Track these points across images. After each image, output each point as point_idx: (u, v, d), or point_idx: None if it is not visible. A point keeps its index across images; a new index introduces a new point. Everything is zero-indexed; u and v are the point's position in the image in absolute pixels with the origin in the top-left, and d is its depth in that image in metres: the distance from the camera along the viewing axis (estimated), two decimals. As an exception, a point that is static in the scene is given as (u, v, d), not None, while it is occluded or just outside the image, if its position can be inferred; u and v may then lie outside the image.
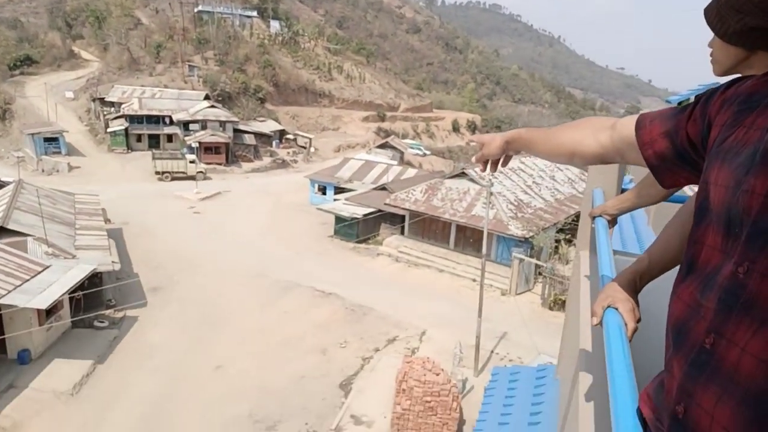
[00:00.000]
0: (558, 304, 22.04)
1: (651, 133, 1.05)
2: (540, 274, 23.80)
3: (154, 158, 40.81)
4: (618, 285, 1.26)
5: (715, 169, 0.83)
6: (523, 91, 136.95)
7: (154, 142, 47.68)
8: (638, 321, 1.16)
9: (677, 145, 0.98)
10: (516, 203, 26.77)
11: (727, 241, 0.77)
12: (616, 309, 1.17)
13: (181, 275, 22.80)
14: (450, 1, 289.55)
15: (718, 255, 0.78)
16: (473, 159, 1.58)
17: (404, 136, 65.46)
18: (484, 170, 1.58)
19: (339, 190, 34.33)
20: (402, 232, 28.46)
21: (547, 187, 30.91)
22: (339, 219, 28.76)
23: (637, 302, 1.21)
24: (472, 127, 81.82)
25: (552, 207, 28.05)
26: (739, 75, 0.93)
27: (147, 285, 21.51)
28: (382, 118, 71.27)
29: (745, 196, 0.73)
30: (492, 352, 17.90)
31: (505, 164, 1.54)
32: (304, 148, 55.02)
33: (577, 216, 27.81)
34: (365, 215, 28.01)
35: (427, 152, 60.94)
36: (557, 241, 26.31)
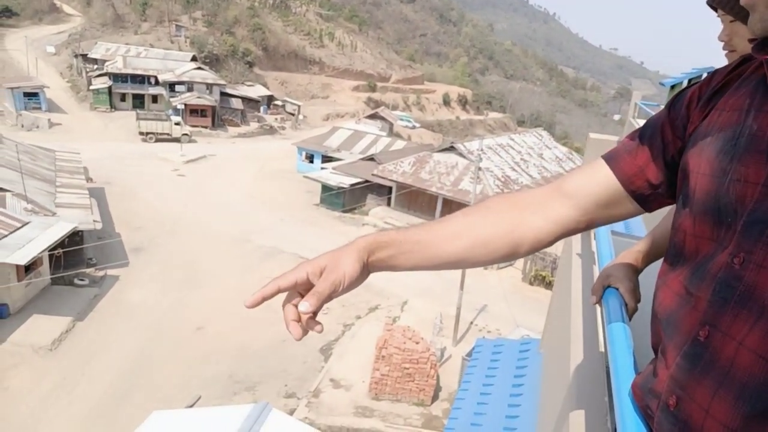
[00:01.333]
0: (538, 279, 22.37)
1: (637, 161, 0.92)
2: (522, 249, 24.04)
3: (138, 118, 39.92)
4: (619, 265, 1.22)
5: (694, 156, 0.79)
6: (515, 67, 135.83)
7: (138, 102, 46.59)
8: (638, 301, 1.13)
9: (669, 161, 0.90)
10: (503, 179, 26.86)
11: (717, 230, 0.73)
12: (617, 289, 1.14)
13: (164, 237, 22.61)
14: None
15: (707, 244, 0.75)
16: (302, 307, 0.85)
17: (394, 108, 64.85)
18: (301, 331, 0.88)
19: (326, 159, 34.05)
20: (388, 204, 28.45)
21: (534, 164, 31.02)
22: (325, 188, 28.60)
23: (637, 282, 1.18)
24: (463, 102, 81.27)
25: (538, 184, 28.20)
26: (714, 71, 0.86)
27: (129, 245, 21.32)
28: (373, 89, 70.36)
29: (737, 185, 0.70)
30: (471, 323, 18.20)
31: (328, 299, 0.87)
32: (293, 115, 54.24)
33: (562, 194, 28.02)
34: (352, 185, 27.89)
35: (417, 125, 60.52)
36: (541, 217, 26.52)
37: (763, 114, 0.71)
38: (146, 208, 25.33)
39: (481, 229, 0.95)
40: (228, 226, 24.21)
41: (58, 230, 16.68)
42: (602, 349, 1.84)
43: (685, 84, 9.07)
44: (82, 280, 18.25)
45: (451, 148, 28.11)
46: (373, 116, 53.22)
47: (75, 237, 18.60)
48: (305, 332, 0.88)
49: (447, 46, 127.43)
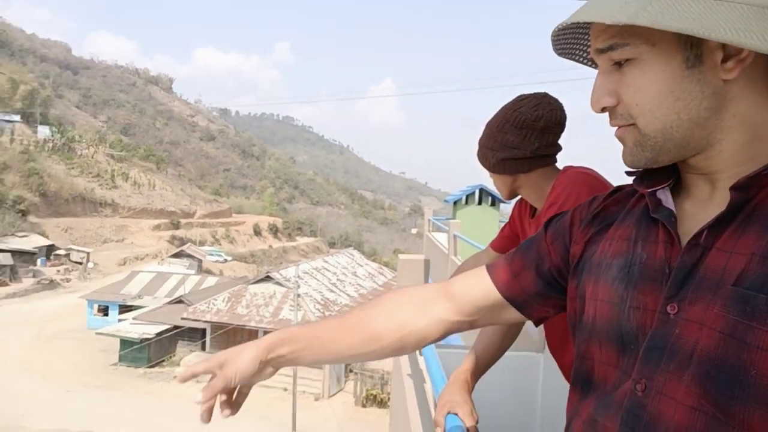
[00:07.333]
0: (370, 399, 21.95)
1: (512, 268, 0.94)
2: (350, 371, 23.66)
3: None
4: (453, 389, 1.28)
5: (590, 284, 0.80)
6: (320, 194, 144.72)
7: None
8: (477, 421, 1.20)
9: (544, 272, 0.91)
10: (323, 302, 26.80)
11: (622, 357, 0.72)
12: (456, 414, 1.20)
13: None
14: (244, 112, 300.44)
15: (614, 371, 0.74)
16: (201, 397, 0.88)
17: (202, 243, 62.25)
18: (207, 420, 0.89)
19: (125, 309, 30.20)
20: (203, 348, 25.91)
21: (350, 283, 31.88)
22: (125, 342, 24.95)
23: (472, 402, 1.26)
24: (274, 230, 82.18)
25: (356, 302, 28.82)
26: (592, 198, 0.93)
27: None
28: (177, 226, 67.14)
29: (637, 312, 0.71)
30: (310, 466, 16.62)
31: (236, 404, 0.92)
32: (80, 263, 48.07)
33: (380, 308, 29.03)
34: (158, 334, 24.88)
35: (229, 258, 58.68)
36: (365, 335, 26.80)
37: (650, 244, 0.74)
38: None
39: (374, 324, 0.97)
40: (-10, 414, 19.03)
41: None
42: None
43: (464, 199, 10.33)
44: None
45: (267, 278, 27.44)
46: (178, 255, 50.17)
47: None
48: (209, 418, 0.91)
49: (252, 179, 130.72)
